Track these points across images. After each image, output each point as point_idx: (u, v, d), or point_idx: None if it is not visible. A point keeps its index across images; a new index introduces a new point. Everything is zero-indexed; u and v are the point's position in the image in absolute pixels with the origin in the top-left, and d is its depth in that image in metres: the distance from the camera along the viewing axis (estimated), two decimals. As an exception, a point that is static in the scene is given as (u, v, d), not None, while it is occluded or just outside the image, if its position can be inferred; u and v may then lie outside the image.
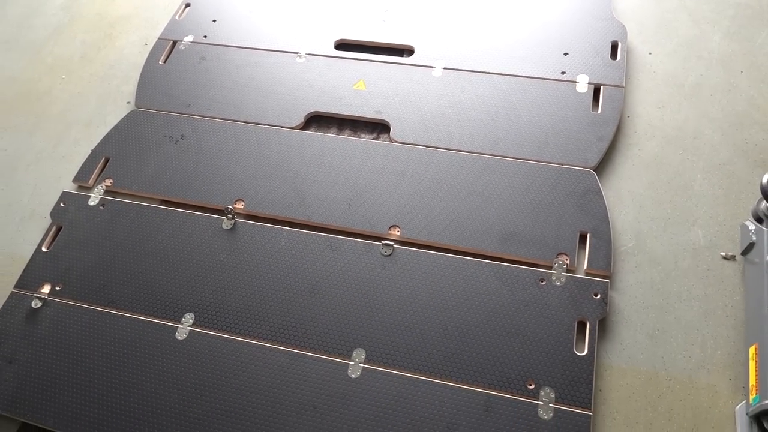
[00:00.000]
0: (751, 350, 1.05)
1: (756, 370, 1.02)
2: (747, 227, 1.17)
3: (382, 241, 1.28)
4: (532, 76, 1.50)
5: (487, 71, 1.52)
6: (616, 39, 1.53)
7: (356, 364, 1.15)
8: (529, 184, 1.32)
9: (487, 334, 1.15)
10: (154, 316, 1.25)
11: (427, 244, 1.28)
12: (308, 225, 1.34)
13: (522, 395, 1.08)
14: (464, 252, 1.26)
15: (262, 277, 1.27)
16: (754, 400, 1.00)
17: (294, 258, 1.29)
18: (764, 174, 1.12)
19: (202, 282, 1.28)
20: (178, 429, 1.11)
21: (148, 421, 1.13)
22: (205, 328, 1.23)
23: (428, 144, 1.42)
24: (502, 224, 1.28)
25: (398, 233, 1.30)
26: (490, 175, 1.35)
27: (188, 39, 1.72)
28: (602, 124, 1.39)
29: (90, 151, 1.53)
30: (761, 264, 1.09)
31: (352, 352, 1.16)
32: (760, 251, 1.12)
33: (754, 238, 1.14)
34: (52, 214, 1.44)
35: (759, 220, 1.17)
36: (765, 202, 1.16)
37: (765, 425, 0.96)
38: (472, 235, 1.27)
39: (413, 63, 1.57)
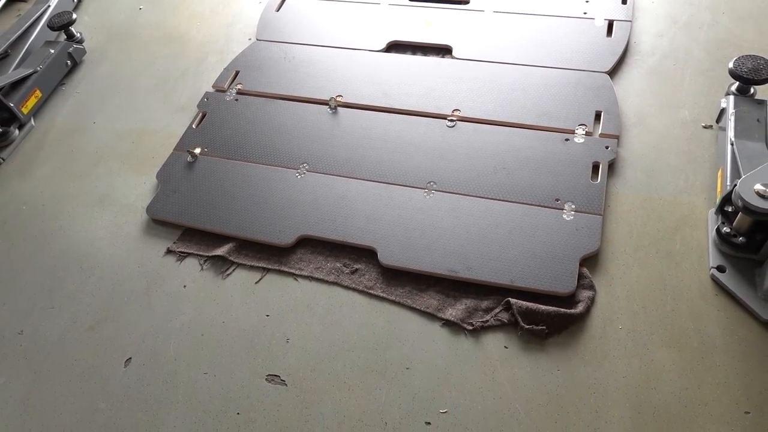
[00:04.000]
0: (719, 172, 1.45)
1: (720, 183, 1.42)
2: (720, 102, 1.59)
3: (447, 118, 1.73)
4: (560, 15, 1.97)
5: (526, 12, 2.00)
6: (626, -9, 2.00)
7: (430, 191, 1.58)
8: (558, 82, 1.77)
9: (526, 171, 1.57)
10: (278, 165, 1.71)
11: (481, 120, 1.72)
12: (391, 110, 1.80)
13: (550, 206, 1.49)
14: (509, 124, 1.70)
15: (358, 140, 1.72)
16: (719, 200, 1.39)
17: (381, 130, 1.74)
18: (730, 62, 1.55)
19: (313, 144, 1.74)
20: (298, 228, 1.55)
21: (277, 224, 1.57)
22: (317, 171, 1.68)
23: (480, 59, 1.89)
24: (537, 107, 1.72)
25: (459, 113, 1.75)
26: (529, 77, 1.80)
27: (295, -4, 2.26)
28: (614, 44, 1.84)
29: (223, 69, 2.04)
30: (726, 117, 1.51)
31: (427, 183, 1.59)
32: (726, 113, 1.53)
33: (723, 105, 1.56)
34: (199, 105, 1.93)
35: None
36: (734, 82, 1.58)
37: (726, 209, 1.35)
38: (514, 113, 1.71)
39: (469, 8, 2.06)
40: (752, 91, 1.56)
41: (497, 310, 1.34)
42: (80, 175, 1.83)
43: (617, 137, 1.61)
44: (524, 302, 1.32)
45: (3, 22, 2.42)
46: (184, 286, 1.51)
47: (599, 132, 1.63)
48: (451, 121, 1.72)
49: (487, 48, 1.92)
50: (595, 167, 1.56)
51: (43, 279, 1.59)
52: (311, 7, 2.20)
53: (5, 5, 2.47)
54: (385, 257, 1.46)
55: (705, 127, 1.62)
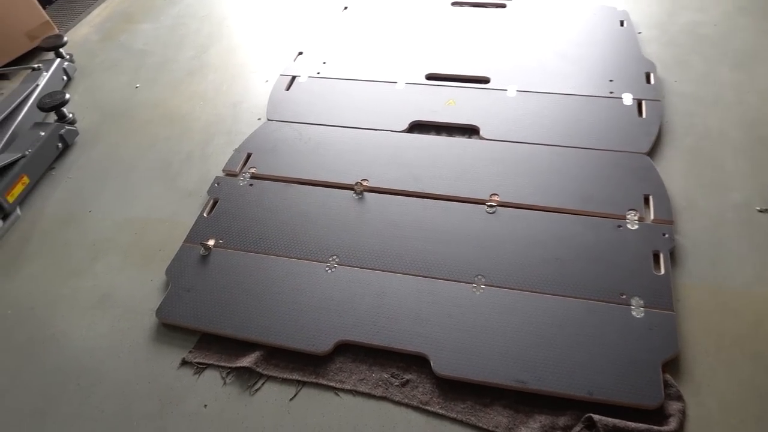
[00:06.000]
0: (792, 261, 1.36)
1: (798, 274, 1.33)
2: (774, 185, 1.52)
3: (486, 203, 1.62)
4: (586, 94, 1.92)
5: (550, 92, 1.94)
6: (648, 70, 1.97)
7: (479, 286, 1.43)
8: (597, 164, 1.68)
9: (581, 261, 1.45)
10: (305, 258, 1.54)
11: (522, 205, 1.61)
12: (423, 195, 1.67)
13: (616, 302, 1.36)
14: (553, 209, 1.59)
15: (391, 229, 1.58)
16: (800, 293, 1.29)
17: (415, 217, 1.61)
18: (782, 143, 1.50)
19: (342, 234, 1.59)
20: (335, 333, 1.37)
21: (310, 327, 1.39)
22: (349, 265, 1.51)
23: (510, 140, 1.80)
24: (579, 190, 1.62)
25: (498, 198, 1.63)
26: (565, 158, 1.71)
27: (305, 74, 2.16)
28: (647, 124, 1.79)
29: (233, 151, 1.89)
30: (790, 201, 1.43)
31: (474, 277, 1.45)
32: (787, 197, 1.46)
33: (781, 189, 1.49)
34: (209, 191, 1.77)
35: (782, 179, 1.52)
36: (785, 165, 1.52)
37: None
38: (556, 197, 1.61)
39: (491, 87, 2.00)
40: (807, 173, 1.50)
41: (578, 429, 1.18)
42: (75, 272, 1.62)
43: (672, 223, 1.52)
44: (609, 419, 1.16)
45: (-16, 101, 2.24)
46: (205, 406, 1.30)
47: (651, 217, 1.53)
48: (491, 206, 1.61)
49: (516, 128, 1.84)
50: (655, 256, 1.45)
51: (33, 400, 1.35)
52: (323, 86, 2.11)
53: (-13, 83, 2.30)
54: (439, 366, 1.29)
55: (761, 211, 1.54)
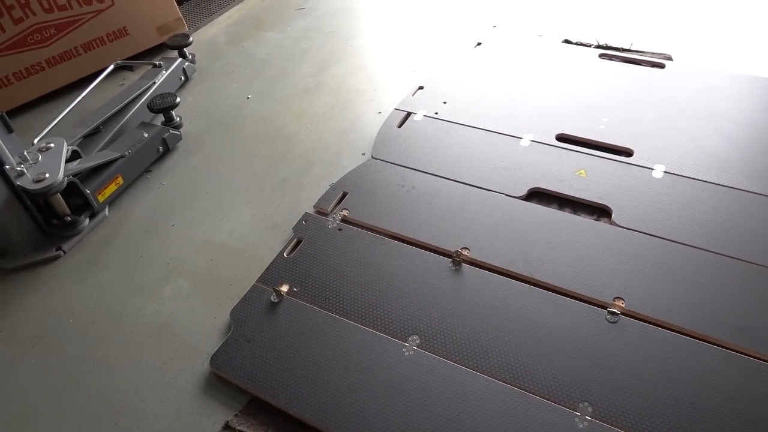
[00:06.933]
0: None
1: None
2: None
3: (607, 309, 1.33)
4: (755, 191, 1.57)
5: (708, 180, 1.61)
6: (842, 174, 1.59)
7: (583, 416, 1.15)
8: (763, 286, 1.34)
9: (723, 416, 1.13)
10: (382, 332, 1.34)
11: (653, 320, 1.31)
12: (531, 281, 1.42)
13: (766, 486, 1.04)
14: (691, 334, 1.27)
15: (487, 317, 1.34)
16: None
17: (518, 307, 1.36)
18: None
19: (428, 311, 1.37)
20: (400, 436, 1.16)
21: (373, 421, 1.18)
22: (431, 351, 1.29)
23: (649, 232, 1.50)
24: (733, 317, 1.29)
25: (623, 305, 1.34)
26: (719, 269, 1.39)
27: (421, 112, 1.97)
28: (835, 246, 1.41)
29: (329, 186, 1.74)
30: None
31: (579, 404, 1.17)
32: None
33: None
34: (294, 229, 1.62)
35: None
36: None
37: None
38: (700, 320, 1.29)
39: (633, 163, 1.70)
40: None
41: None
42: (143, 289, 1.53)
43: None
44: None
45: (106, 89, 2.27)
46: (238, 488, 1.13)
47: (829, 374, 1.18)
48: (613, 314, 1.32)
49: (659, 218, 1.53)
50: (829, 432, 1.10)
51: (67, 430, 1.25)
52: (439, 129, 1.91)
53: (112, 72, 2.32)
54: None
55: None
